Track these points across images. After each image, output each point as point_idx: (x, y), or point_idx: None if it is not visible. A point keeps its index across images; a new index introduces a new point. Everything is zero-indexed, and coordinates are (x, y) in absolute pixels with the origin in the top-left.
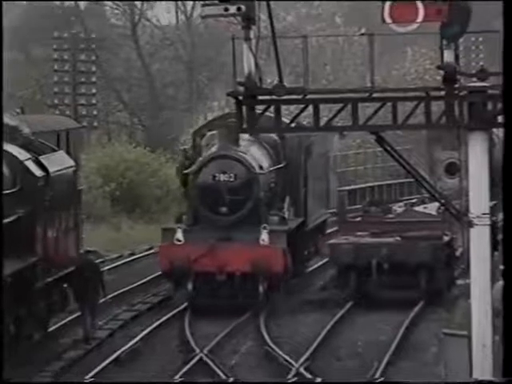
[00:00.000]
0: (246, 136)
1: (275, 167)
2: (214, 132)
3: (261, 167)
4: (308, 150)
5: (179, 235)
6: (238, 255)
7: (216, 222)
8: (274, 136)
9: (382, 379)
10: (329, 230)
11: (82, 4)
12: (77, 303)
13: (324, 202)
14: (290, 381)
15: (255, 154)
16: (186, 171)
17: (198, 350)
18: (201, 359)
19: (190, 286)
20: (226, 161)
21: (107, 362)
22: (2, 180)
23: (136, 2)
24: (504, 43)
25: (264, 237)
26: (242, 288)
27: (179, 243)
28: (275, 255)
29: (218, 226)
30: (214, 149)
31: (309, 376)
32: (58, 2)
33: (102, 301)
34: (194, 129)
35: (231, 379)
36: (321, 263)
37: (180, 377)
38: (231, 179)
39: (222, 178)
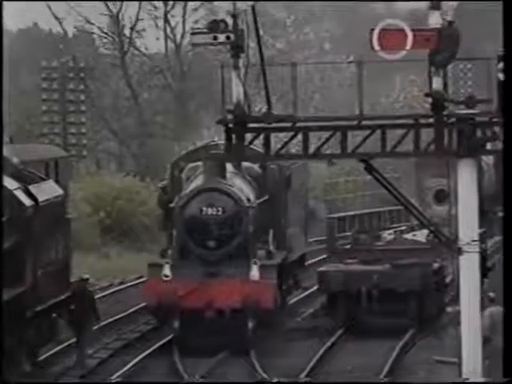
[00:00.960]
0: (228, 168)
1: (261, 200)
2: (193, 164)
3: (248, 200)
4: (288, 181)
5: (167, 271)
6: (228, 291)
7: (203, 256)
8: (255, 168)
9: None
10: (317, 258)
11: (70, 32)
12: (71, 330)
13: (303, 235)
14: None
15: (241, 187)
16: (170, 205)
17: (186, 377)
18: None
19: (176, 324)
20: (213, 194)
21: None
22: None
23: (125, 31)
24: (504, 43)
25: (254, 272)
26: (231, 325)
27: (166, 279)
28: (266, 291)
29: (206, 261)
30: (199, 181)
31: None
32: (46, 30)
33: (95, 328)
34: (171, 161)
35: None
36: (301, 296)
37: None
38: (219, 213)
39: (210, 211)
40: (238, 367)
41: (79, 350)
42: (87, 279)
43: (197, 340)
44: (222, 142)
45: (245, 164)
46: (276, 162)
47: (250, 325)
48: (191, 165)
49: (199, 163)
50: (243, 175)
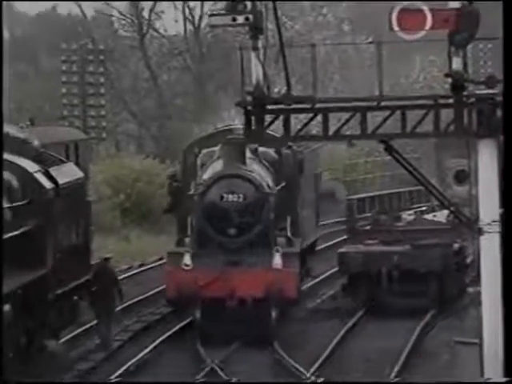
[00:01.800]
0: (246, 153)
1: (280, 186)
2: (209, 150)
3: (268, 186)
4: (301, 165)
5: (187, 260)
6: (251, 280)
7: (224, 244)
8: (271, 153)
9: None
10: (337, 239)
11: (89, 15)
12: (93, 311)
13: (314, 220)
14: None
15: (259, 172)
16: (189, 192)
17: (208, 361)
18: (212, 369)
19: (198, 314)
20: (234, 180)
21: (118, 372)
22: (1, 189)
23: (144, 13)
24: (504, 43)
25: (277, 260)
26: (253, 314)
27: (187, 268)
28: (290, 279)
29: (226, 249)
30: (217, 167)
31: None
32: (65, 13)
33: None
34: (184, 147)
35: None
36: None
37: None
38: (240, 199)
39: (231, 198)
40: (257, 349)
41: (101, 332)
42: (109, 258)
43: (219, 330)
44: (237, 126)
45: (261, 149)
46: (290, 147)
47: (274, 314)
48: (206, 150)
49: (215, 148)
50: (260, 160)
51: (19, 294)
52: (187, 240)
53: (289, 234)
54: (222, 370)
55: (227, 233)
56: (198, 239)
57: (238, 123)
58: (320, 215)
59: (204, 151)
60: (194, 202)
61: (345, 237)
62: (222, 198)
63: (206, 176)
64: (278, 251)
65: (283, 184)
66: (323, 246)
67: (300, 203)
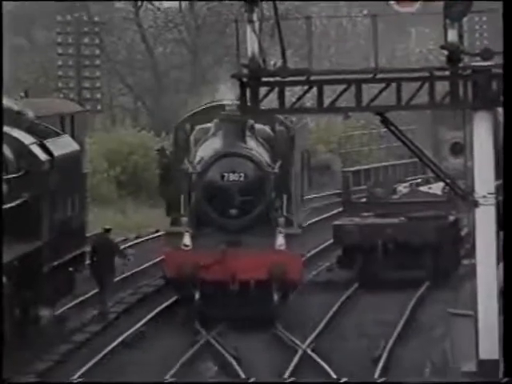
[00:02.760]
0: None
1: (278, 164)
2: (202, 126)
3: (269, 165)
4: (293, 142)
5: (187, 240)
6: (253, 262)
7: (224, 225)
8: (267, 129)
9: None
10: (333, 211)
11: None
12: (94, 281)
13: (301, 200)
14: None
15: (258, 150)
16: (183, 168)
17: (204, 333)
18: (207, 342)
19: (197, 296)
20: (235, 159)
21: (114, 344)
22: (1, 162)
23: None
24: (504, 43)
25: (280, 241)
26: (255, 297)
27: (186, 248)
28: (293, 261)
29: (227, 230)
30: (215, 145)
31: (315, 357)
32: None
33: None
34: (176, 124)
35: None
36: None
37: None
38: (241, 179)
39: (232, 177)
40: (252, 322)
41: (101, 302)
42: (109, 229)
43: (219, 312)
44: (229, 102)
45: (257, 126)
46: (283, 123)
47: (276, 297)
48: (200, 126)
49: (209, 125)
50: (257, 138)
51: (15, 266)
52: (184, 219)
53: (285, 213)
54: (218, 343)
55: (228, 213)
56: (197, 219)
57: (230, 97)
58: (308, 190)
59: (197, 127)
60: (193, 181)
61: (340, 209)
62: (222, 177)
63: (201, 153)
64: (281, 232)
65: (280, 162)
66: (319, 218)
67: (293, 181)
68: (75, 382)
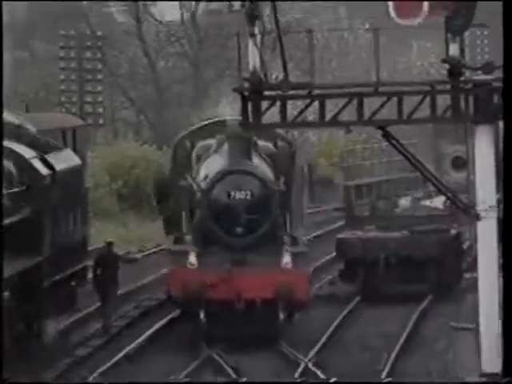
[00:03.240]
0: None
1: (283, 181)
2: (205, 143)
3: (274, 182)
4: (294, 159)
5: (192, 258)
6: (260, 281)
7: (230, 243)
8: (270, 146)
9: (389, 379)
10: (335, 225)
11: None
12: (97, 293)
13: (301, 216)
14: (290, 380)
15: (263, 168)
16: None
17: (205, 348)
18: (209, 357)
19: (202, 315)
20: (241, 176)
21: (117, 358)
22: (1, 177)
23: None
24: (504, 42)
25: (287, 260)
26: (261, 316)
27: (192, 267)
28: (300, 280)
29: (233, 248)
30: (220, 162)
31: (317, 371)
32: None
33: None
34: (175, 140)
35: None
36: None
37: (187, 375)
38: (248, 197)
39: (238, 195)
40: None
41: (105, 315)
42: (112, 243)
43: (224, 332)
44: (230, 118)
45: (259, 142)
46: (284, 138)
47: (282, 316)
48: (202, 143)
49: (210, 141)
50: (260, 154)
51: (16, 281)
52: (187, 238)
53: (288, 230)
54: (220, 358)
55: (234, 232)
56: (203, 237)
57: (231, 111)
58: (310, 205)
59: (199, 144)
60: (197, 199)
61: (343, 223)
62: (229, 195)
63: (204, 170)
64: (287, 251)
65: (283, 179)
66: (321, 231)
67: (294, 198)
68: (75, 382)
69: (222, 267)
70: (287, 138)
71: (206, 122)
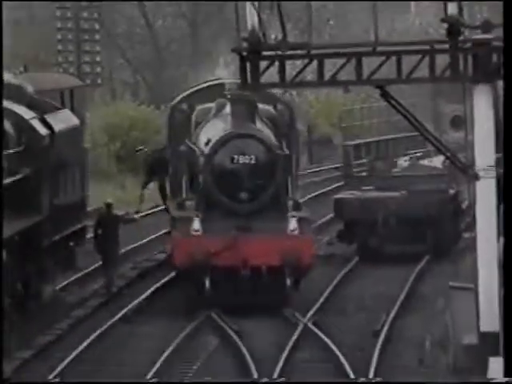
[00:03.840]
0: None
1: (284, 145)
2: (204, 106)
3: (279, 147)
4: (294, 121)
5: (196, 225)
6: (265, 247)
7: (235, 209)
8: (270, 109)
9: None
10: (334, 185)
11: None
12: (99, 253)
13: (297, 181)
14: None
15: (266, 132)
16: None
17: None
18: (209, 317)
19: (207, 283)
20: (245, 140)
21: (114, 319)
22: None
23: None
24: (504, 42)
25: (293, 226)
26: (268, 283)
27: (196, 234)
28: (306, 246)
29: (237, 214)
30: (222, 126)
31: (316, 330)
32: None
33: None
34: (171, 103)
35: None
36: None
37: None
38: (252, 161)
39: (242, 160)
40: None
41: (106, 275)
42: (111, 204)
43: (230, 300)
44: (228, 80)
45: (260, 106)
46: (283, 101)
47: (288, 282)
48: (201, 106)
49: (210, 104)
50: (261, 118)
51: (15, 241)
52: (188, 204)
53: (290, 195)
54: (219, 317)
55: (238, 197)
56: (205, 203)
57: (226, 73)
58: (309, 165)
59: (198, 108)
60: (200, 164)
61: (341, 183)
62: (232, 159)
63: (206, 135)
64: (293, 216)
65: (284, 143)
66: (319, 192)
67: (294, 161)
68: (75, 382)
69: (226, 234)
70: (286, 101)
71: (204, 85)
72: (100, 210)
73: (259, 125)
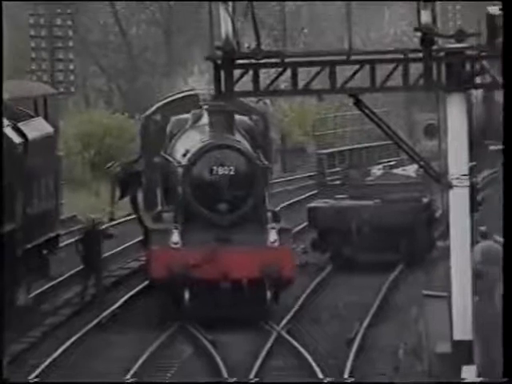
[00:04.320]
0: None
1: (262, 156)
2: (180, 117)
3: (259, 158)
4: (268, 133)
5: (175, 237)
6: (246, 259)
7: (214, 220)
8: (247, 120)
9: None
10: (306, 194)
11: None
12: (82, 264)
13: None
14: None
15: (243, 142)
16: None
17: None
18: (181, 327)
19: (186, 296)
20: (224, 151)
21: (89, 326)
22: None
23: None
24: (504, 42)
25: (273, 237)
26: (249, 296)
27: (175, 246)
28: (286, 258)
29: (216, 226)
30: (203, 137)
31: (290, 339)
32: None
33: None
34: (145, 114)
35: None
36: None
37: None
38: (231, 172)
39: (221, 171)
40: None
41: (86, 282)
42: (94, 220)
43: (210, 313)
44: (202, 91)
45: (236, 117)
46: (257, 112)
47: (268, 295)
48: (176, 117)
49: (186, 115)
50: (238, 129)
51: None
52: (165, 215)
53: (268, 206)
54: (194, 328)
55: (217, 208)
56: (184, 215)
57: (200, 81)
58: (282, 173)
59: (173, 118)
60: (177, 175)
61: (314, 191)
62: (211, 171)
63: (183, 146)
64: (273, 228)
65: (260, 153)
66: (293, 200)
67: (270, 173)
68: (74, 381)
69: (205, 246)
70: (261, 111)
71: (178, 96)
72: (86, 226)
73: (237, 136)
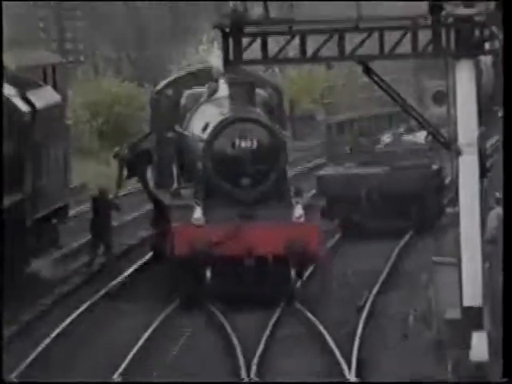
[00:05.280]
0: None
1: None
2: (194, 91)
3: (280, 131)
4: (282, 106)
5: (198, 214)
6: (270, 236)
7: (237, 196)
8: (262, 92)
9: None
10: (317, 161)
11: None
12: (91, 233)
13: None
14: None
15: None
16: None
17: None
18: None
19: (208, 273)
20: (246, 125)
21: (98, 295)
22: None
23: None
24: (504, 42)
25: (299, 212)
26: (273, 273)
27: (198, 223)
28: (312, 234)
29: (239, 202)
30: (223, 111)
31: (300, 306)
32: None
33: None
34: (156, 89)
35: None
36: None
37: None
38: (254, 146)
39: (244, 144)
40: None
41: (94, 251)
42: (105, 189)
43: (233, 291)
44: (214, 64)
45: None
46: (271, 84)
47: (293, 273)
48: (190, 91)
49: (201, 89)
50: (257, 102)
51: None
52: (184, 192)
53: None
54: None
55: (240, 183)
56: (206, 191)
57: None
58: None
59: (187, 92)
60: (198, 150)
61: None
62: (233, 144)
63: (201, 120)
64: (298, 203)
65: (278, 126)
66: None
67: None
68: (76, 381)
69: (229, 222)
70: (275, 84)
71: (190, 70)
72: (96, 195)
73: (258, 108)
